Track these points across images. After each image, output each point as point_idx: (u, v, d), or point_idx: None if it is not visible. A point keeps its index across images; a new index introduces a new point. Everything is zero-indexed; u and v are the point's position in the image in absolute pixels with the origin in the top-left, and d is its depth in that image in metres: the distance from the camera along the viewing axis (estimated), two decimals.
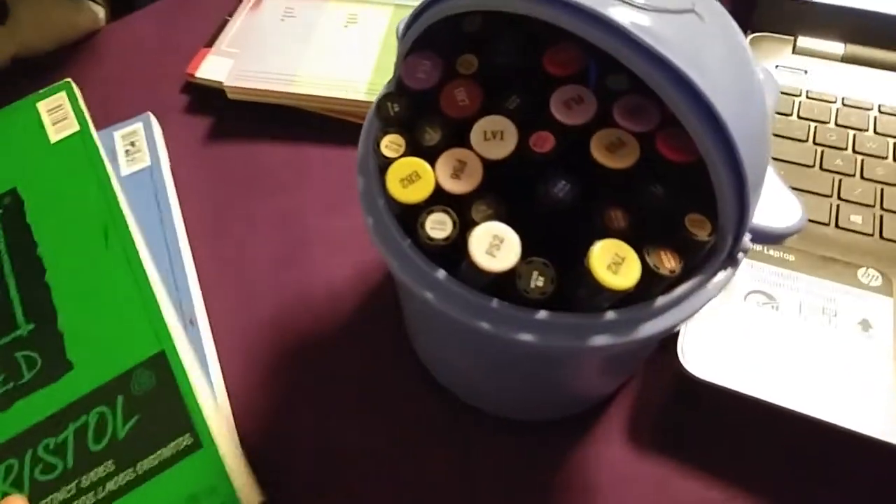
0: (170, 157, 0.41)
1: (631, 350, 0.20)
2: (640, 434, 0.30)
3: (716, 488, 0.29)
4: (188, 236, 0.36)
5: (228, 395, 0.32)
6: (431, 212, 0.19)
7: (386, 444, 0.31)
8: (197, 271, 0.35)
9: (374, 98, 0.36)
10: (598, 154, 0.20)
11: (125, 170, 0.40)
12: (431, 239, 0.19)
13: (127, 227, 0.36)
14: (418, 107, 0.22)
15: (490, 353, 0.23)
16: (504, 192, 0.20)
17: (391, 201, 0.20)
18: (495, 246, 0.18)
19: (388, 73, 0.36)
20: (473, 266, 0.18)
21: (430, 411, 0.31)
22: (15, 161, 0.39)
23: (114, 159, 0.40)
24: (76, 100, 0.42)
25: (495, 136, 0.20)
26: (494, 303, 0.19)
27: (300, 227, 0.36)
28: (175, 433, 0.31)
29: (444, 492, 0.29)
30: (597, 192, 0.20)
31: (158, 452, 0.31)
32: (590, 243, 0.18)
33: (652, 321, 0.19)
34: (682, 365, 0.29)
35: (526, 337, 0.18)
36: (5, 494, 0.31)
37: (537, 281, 0.18)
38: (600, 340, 0.19)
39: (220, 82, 0.42)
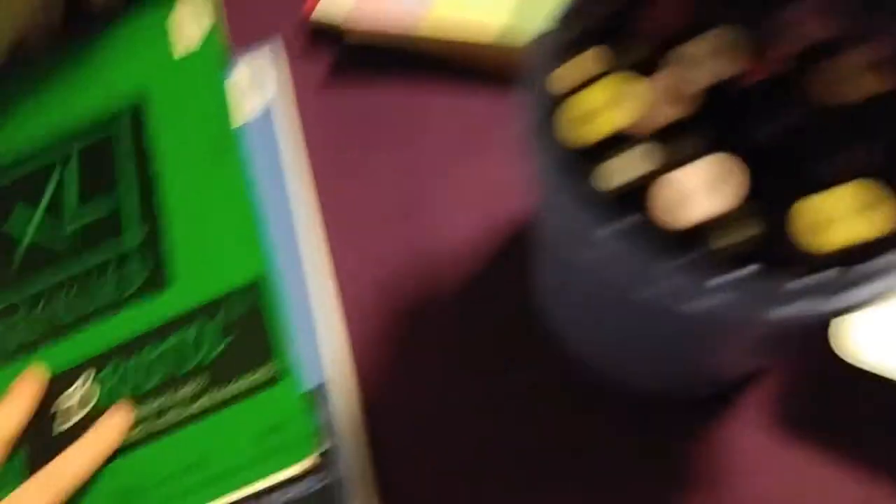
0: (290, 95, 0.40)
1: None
2: (779, 420, 0.27)
3: (870, 486, 0.25)
4: (310, 177, 0.35)
5: (345, 342, 0.31)
6: (624, 149, 0.17)
7: (499, 410, 0.29)
8: (313, 214, 0.34)
9: (509, 42, 0.34)
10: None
11: (246, 98, 0.39)
12: (616, 181, 0.17)
13: (239, 152, 0.35)
14: (605, 29, 0.20)
15: (651, 322, 0.21)
16: (713, 127, 0.17)
17: (571, 137, 0.18)
18: (704, 189, 0.16)
19: (531, 14, 0.34)
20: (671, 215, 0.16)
21: (553, 380, 0.29)
22: (141, 70, 0.40)
23: (236, 86, 0.40)
24: (208, 16, 0.42)
25: (707, 61, 0.18)
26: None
27: (422, 178, 0.34)
28: (258, 363, 0.30)
29: (561, 462, 0.28)
30: (826, 129, 0.17)
31: (240, 382, 0.30)
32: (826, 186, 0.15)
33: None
34: (837, 346, 0.26)
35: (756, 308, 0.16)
36: (111, 394, 0.31)
37: (745, 234, 0.16)
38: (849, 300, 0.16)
39: (339, 24, 0.41)
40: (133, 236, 0.35)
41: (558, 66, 0.19)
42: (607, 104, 0.18)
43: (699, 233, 0.16)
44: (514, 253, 0.31)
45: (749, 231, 0.16)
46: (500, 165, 0.34)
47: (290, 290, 0.31)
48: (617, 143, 0.17)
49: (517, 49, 0.34)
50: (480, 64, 0.38)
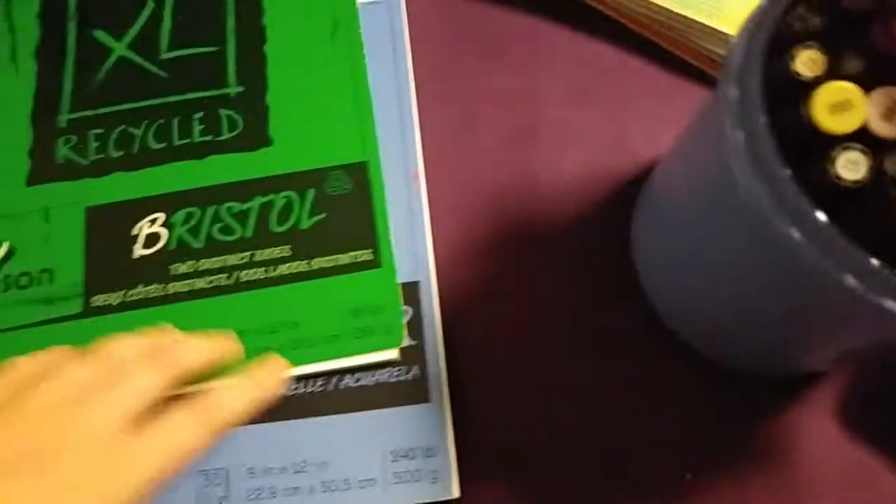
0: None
1: None
2: (847, 412, 0.29)
3: None
4: (416, 88, 0.34)
5: (431, 248, 0.31)
6: (847, 148, 0.18)
7: (581, 364, 0.30)
8: (421, 127, 0.33)
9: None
10: None
11: None
12: (839, 178, 0.17)
13: (357, 30, 0.34)
14: (839, 27, 0.20)
15: (792, 302, 0.22)
16: None
17: (800, 124, 0.18)
18: None
19: None
20: None
21: (637, 334, 0.30)
22: None
23: None
24: None
25: None
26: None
27: (533, 111, 0.34)
28: (357, 244, 0.30)
29: (627, 403, 0.29)
30: None
31: (336, 256, 0.30)
32: None
33: None
34: None
35: None
36: (180, 239, 0.31)
37: None
38: None
39: None
40: (234, 84, 0.34)
41: (798, 51, 0.19)
42: (842, 105, 0.18)
43: None
44: (616, 207, 0.32)
45: None
46: (617, 118, 0.33)
47: (387, 189, 0.31)
48: (849, 139, 0.18)
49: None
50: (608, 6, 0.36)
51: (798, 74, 0.19)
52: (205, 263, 0.30)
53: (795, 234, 0.18)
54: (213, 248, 0.31)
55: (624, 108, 0.34)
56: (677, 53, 0.34)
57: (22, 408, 0.21)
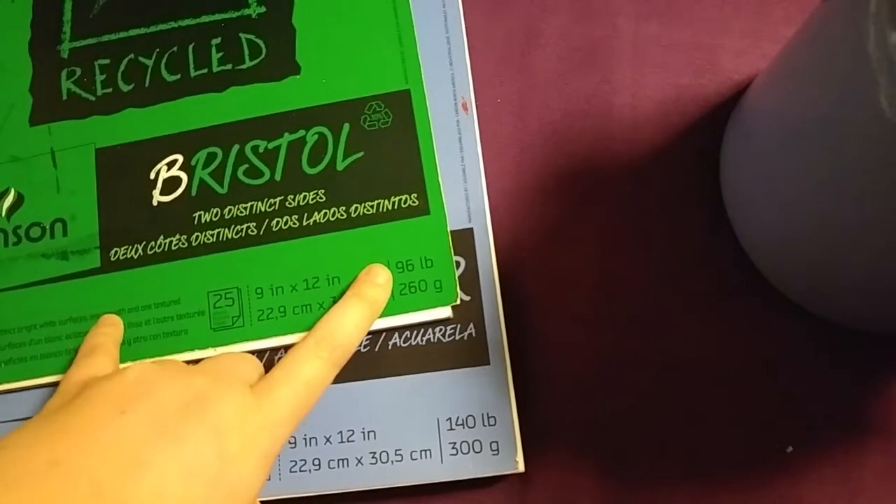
0: None
1: None
2: None
3: None
4: (463, 5, 0.29)
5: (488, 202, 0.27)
6: None
7: (661, 320, 0.26)
8: (469, 50, 0.29)
9: None
10: None
11: None
12: None
13: None
14: None
15: None
16: None
17: None
18: None
19: None
20: None
21: (732, 298, 0.26)
22: None
23: None
24: None
25: None
26: None
27: (607, 25, 0.29)
28: (401, 188, 0.27)
29: (726, 391, 0.25)
30: None
31: (377, 202, 0.27)
32: None
33: None
34: None
35: None
36: (202, 183, 0.27)
37: None
38: None
39: None
40: (254, 3, 0.29)
41: None
42: None
43: None
44: (703, 136, 0.27)
45: None
46: (705, 32, 0.28)
47: (433, 123, 0.27)
48: None
49: None
50: None
51: None
52: (231, 211, 0.27)
53: None
54: (238, 192, 0.27)
55: (712, 21, 0.29)
56: None
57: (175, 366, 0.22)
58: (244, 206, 0.27)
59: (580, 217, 0.27)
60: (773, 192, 0.24)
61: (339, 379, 0.24)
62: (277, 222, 0.27)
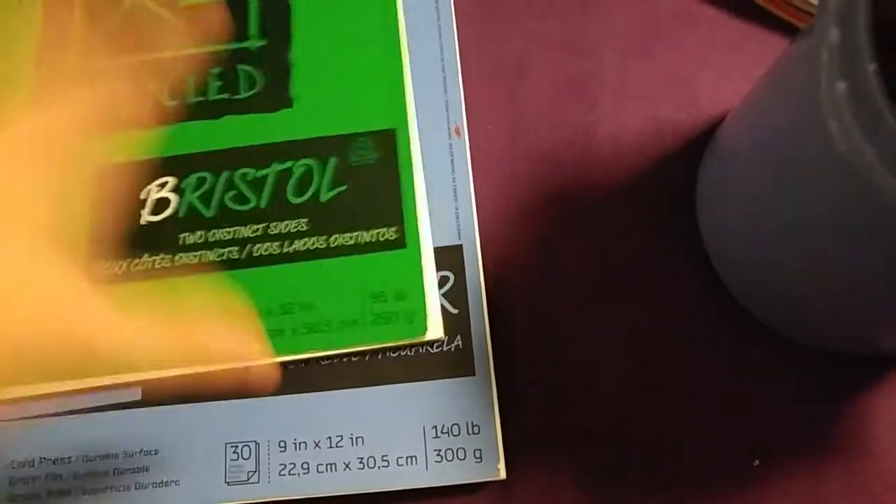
0: None
1: None
2: None
3: None
4: (458, 35, 0.30)
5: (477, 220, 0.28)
6: None
7: (638, 336, 0.27)
8: (463, 78, 0.30)
9: None
10: None
11: None
12: None
13: None
14: None
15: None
16: None
17: None
18: None
19: None
20: None
21: (705, 316, 0.27)
22: None
23: None
24: None
25: None
26: None
27: (592, 59, 0.30)
28: (381, 221, 0.28)
29: (698, 405, 0.26)
30: None
31: (357, 233, 0.28)
32: None
33: None
34: None
35: None
36: (191, 206, 0.28)
37: None
38: None
39: None
40: (254, 37, 0.31)
41: None
42: None
43: None
44: (679, 166, 0.29)
45: None
46: (683, 68, 0.30)
47: (426, 146, 0.28)
48: None
49: None
50: None
51: None
52: (216, 234, 0.28)
53: None
54: (225, 217, 0.28)
55: (690, 58, 0.30)
56: None
57: None
58: (228, 230, 0.28)
59: (564, 237, 0.28)
60: (741, 222, 0.25)
61: (329, 386, 0.26)
62: (259, 248, 0.27)
